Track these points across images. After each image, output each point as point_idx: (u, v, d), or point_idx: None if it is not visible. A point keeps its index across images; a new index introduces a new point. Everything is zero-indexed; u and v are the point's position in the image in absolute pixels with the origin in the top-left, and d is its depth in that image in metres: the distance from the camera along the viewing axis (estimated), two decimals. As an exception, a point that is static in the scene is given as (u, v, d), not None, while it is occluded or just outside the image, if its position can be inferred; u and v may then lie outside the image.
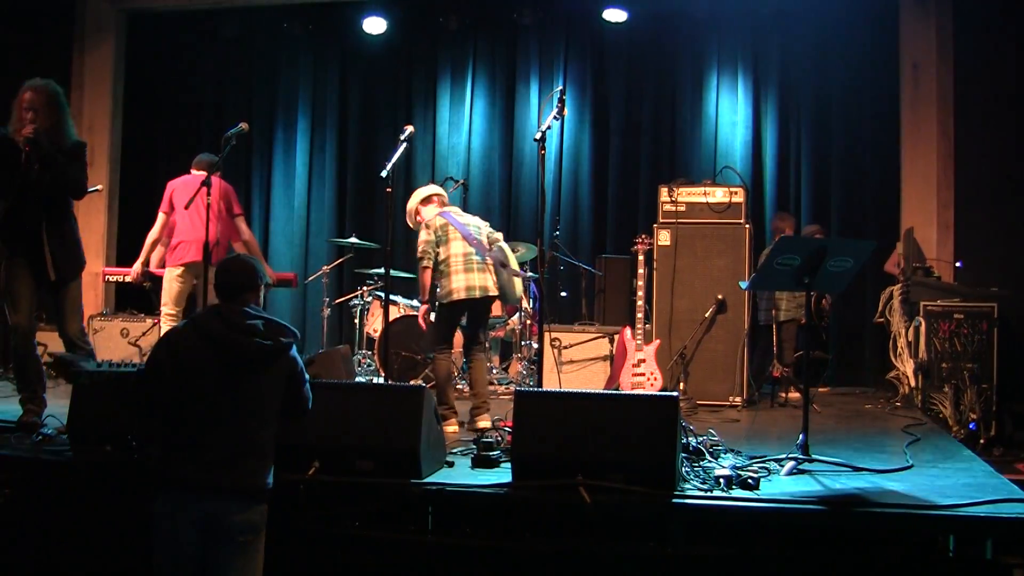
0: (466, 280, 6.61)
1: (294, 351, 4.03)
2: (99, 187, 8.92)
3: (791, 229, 8.94)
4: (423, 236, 6.68)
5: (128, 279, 8.95)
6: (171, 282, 7.60)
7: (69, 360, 5.34)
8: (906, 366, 8.12)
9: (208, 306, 4.11)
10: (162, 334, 4.12)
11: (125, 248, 10.69)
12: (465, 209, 10.26)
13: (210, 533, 3.75)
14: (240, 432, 3.83)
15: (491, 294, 6.72)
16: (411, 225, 7.05)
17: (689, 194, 8.28)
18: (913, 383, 8.00)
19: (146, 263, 8.01)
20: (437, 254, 6.66)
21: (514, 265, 6.94)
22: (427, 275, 6.63)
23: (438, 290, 6.72)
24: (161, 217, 7.80)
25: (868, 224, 10.00)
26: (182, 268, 7.56)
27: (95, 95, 10.91)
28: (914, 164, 9.53)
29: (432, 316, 6.87)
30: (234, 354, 3.84)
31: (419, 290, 6.77)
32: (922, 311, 7.94)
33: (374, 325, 9.41)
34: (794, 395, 8.35)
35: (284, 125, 11.72)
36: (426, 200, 6.94)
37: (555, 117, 5.82)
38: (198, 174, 7.68)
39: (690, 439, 5.14)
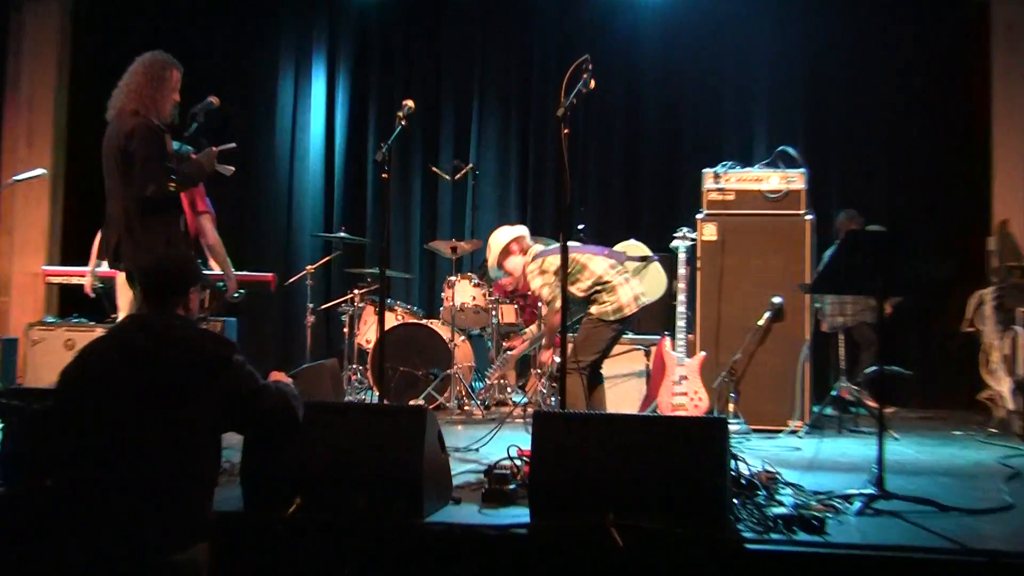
0: (632, 290, 6.87)
1: (235, 364, 3.98)
2: (41, 172, 8.91)
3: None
4: (541, 281, 6.88)
5: (80, 281, 8.95)
6: (123, 286, 7.56)
7: None
8: (1001, 384, 8.06)
9: (131, 315, 4.12)
10: (79, 349, 4.11)
11: (72, 245, 10.71)
12: (475, 200, 10.33)
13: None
14: (174, 463, 3.79)
15: (647, 300, 7.03)
16: (493, 274, 7.39)
17: (739, 180, 8.26)
18: (1011, 405, 7.95)
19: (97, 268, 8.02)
20: (577, 289, 6.82)
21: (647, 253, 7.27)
22: (558, 317, 6.69)
23: (596, 308, 6.81)
24: None
25: (953, 216, 9.94)
26: None
27: (36, 63, 10.91)
28: (1007, 144, 9.50)
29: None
30: (160, 373, 3.82)
31: (542, 332, 6.81)
32: (1020, 319, 7.88)
33: (367, 335, 9.40)
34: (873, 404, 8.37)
35: (262, 99, 11.75)
36: (505, 252, 7.16)
37: (580, 91, 5.78)
38: None
39: (742, 471, 5.10)
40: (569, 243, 6.94)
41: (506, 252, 7.18)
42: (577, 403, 6.67)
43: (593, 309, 6.85)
